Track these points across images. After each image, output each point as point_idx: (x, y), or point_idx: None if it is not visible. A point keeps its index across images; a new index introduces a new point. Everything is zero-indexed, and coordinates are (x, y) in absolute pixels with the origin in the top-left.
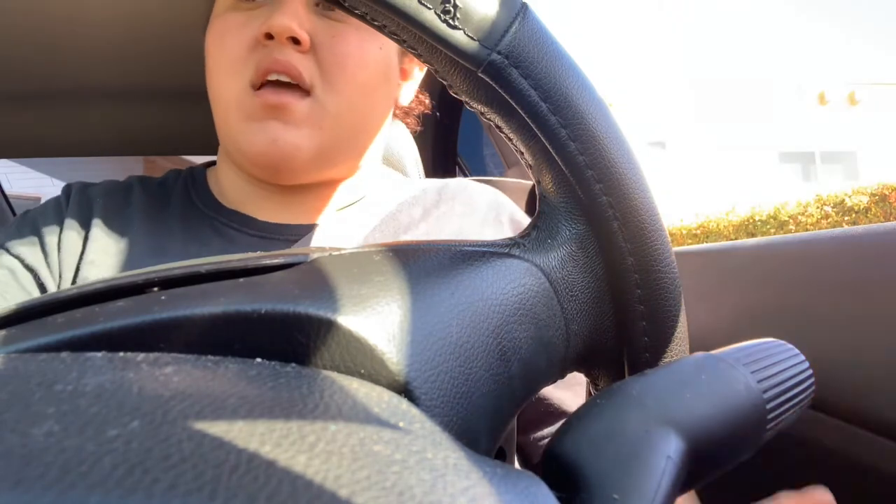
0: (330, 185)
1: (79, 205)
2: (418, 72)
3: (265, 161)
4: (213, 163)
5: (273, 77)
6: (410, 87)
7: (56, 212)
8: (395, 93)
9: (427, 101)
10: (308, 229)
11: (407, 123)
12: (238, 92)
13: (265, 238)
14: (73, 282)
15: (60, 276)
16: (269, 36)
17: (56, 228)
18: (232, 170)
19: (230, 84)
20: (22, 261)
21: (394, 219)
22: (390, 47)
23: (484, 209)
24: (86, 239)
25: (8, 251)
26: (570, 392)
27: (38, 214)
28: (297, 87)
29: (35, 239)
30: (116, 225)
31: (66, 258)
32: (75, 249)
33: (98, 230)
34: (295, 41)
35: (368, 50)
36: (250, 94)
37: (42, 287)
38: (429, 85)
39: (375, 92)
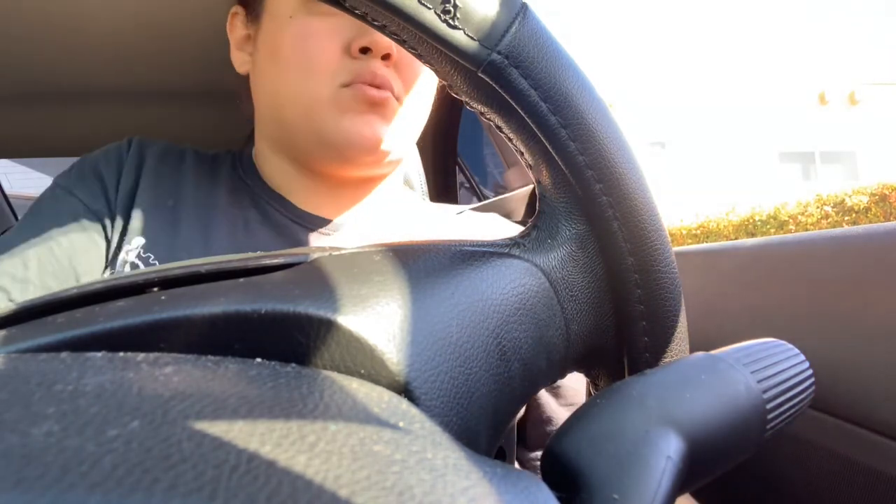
0: (371, 181)
1: (137, 158)
2: None
3: (357, 148)
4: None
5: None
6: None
7: (117, 161)
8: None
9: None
10: (342, 225)
11: None
12: (330, 90)
13: (301, 225)
14: (123, 236)
15: (118, 225)
16: (365, 49)
17: (115, 179)
18: (278, 158)
19: (317, 85)
20: (86, 206)
21: (428, 228)
22: None
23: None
24: (133, 198)
25: (72, 194)
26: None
27: (99, 161)
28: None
29: (98, 185)
30: (166, 188)
31: (121, 211)
32: (128, 203)
33: (147, 192)
34: (387, 56)
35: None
36: (343, 91)
37: (104, 231)
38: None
39: (430, 100)
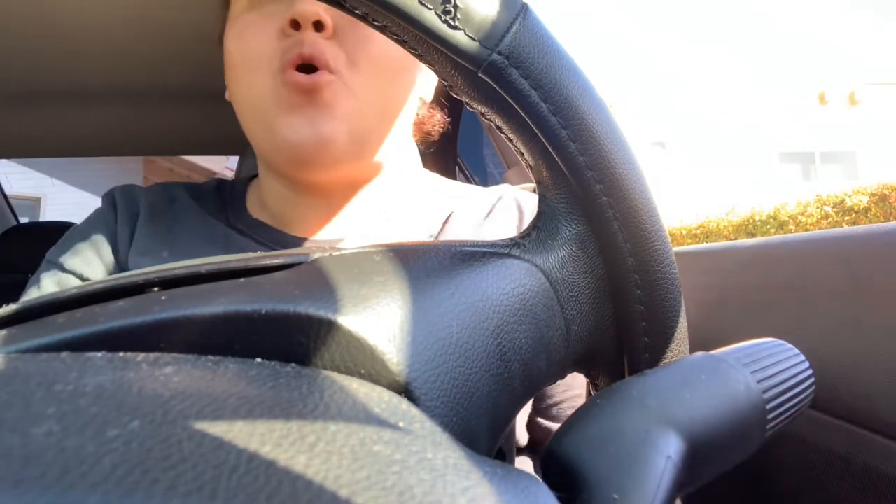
0: (366, 188)
1: (127, 211)
2: None
3: (307, 151)
4: (255, 175)
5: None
6: (432, 80)
7: (105, 222)
8: (416, 84)
9: (440, 118)
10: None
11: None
12: (269, 84)
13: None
14: None
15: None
16: (295, 24)
17: (110, 240)
18: (272, 178)
19: (258, 80)
20: (80, 276)
21: (443, 233)
22: None
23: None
24: (128, 253)
25: (64, 269)
26: None
27: (89, 228)
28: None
29: (91, 250)
30: (160, 238)
31: (119, 270)
32: (125, 260)
33: (141, 247)
34: (320, 26)
35: (389, 45)
36: (281, 83)
37: None
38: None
39: (399, 77)
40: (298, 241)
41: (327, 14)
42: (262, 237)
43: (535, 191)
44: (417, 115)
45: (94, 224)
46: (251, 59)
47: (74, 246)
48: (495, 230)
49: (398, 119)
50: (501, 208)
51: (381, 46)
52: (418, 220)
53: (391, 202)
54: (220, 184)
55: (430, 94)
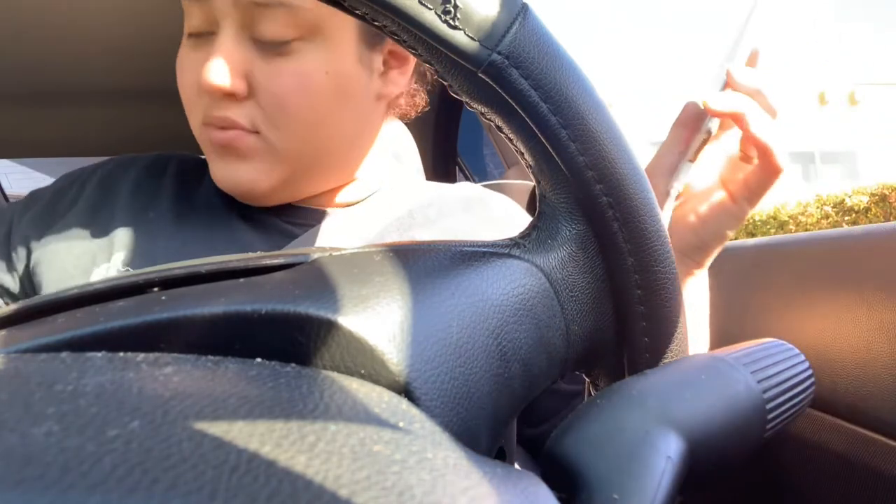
0: (330, 192)
1: (109, 176)
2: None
3: (232, 192)
4: None
5: None
6: (402, 74)
7: (73, 181)
8: (369, 96)
9: (420, 100)
10: (321, 216)
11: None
12: (197, 129)
13: (286, 222)
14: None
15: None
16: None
17: (68, 196)
18: None
19: (192, 121)
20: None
21: (409, 216)
22: (341, 64)
23: (501, 220)
24: (105, 214)
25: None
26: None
27: (50, 187)
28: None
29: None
30: (146, 200)
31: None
32: (102, 217)
33: (126, 208)
34: (229, 94)
35: (312, 81)
36: (204, 131)
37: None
38: (429, 85)
39: (331, 117)
40: (288, 208)
41: (236, 77)
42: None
43: (534, 189)
44: (399, 107)
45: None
46: (185, 99)
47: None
48: (449, 228)
49: (344, 146)
50: (466, 204)
51: (304, 101)
52: (383, 207)
53: (359, 193)
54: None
55: (402, 87)
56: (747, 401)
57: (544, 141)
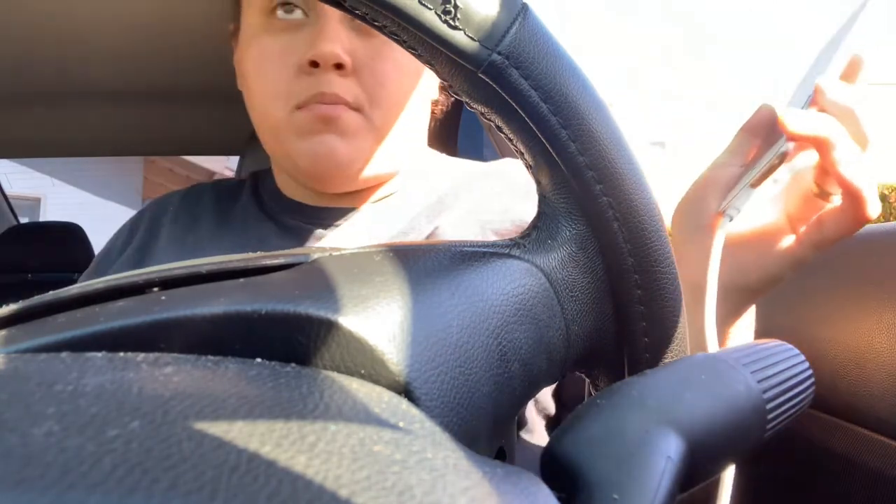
0: (375, 186)
1: (153, 215)
2: None
3: (321, 171)
4: (253, 173)
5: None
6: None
7: (128, 231)
8: (430, 94)
9: (443, 98)
10: (348, 212)
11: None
12: (287, 113)
13: (315, 225)
14: None
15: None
16: (314, 63)
17: (124, 243)
18: (283, 175)
19: (277, 108)
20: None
21: (439, 202)
22: None
23: (523, 185)
24: (151, 249)
25: None
26: None
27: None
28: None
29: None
30: (185, 228)
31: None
32: (145, 254)
33: (167, 237)
34: (339, 66)
35: (406, 65)
36: (299, 114)
37: None
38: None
39: (413, 100)
40: (319, 212)
41: (346, 53)
42: (289, 211)
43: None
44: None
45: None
46: (270, 89)
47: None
48: (475, 200)
49: (412, 134)
50: (488, 176)
51: (399, 81)
52: (410, 206)
53: (391, 187)
54: (252, 174)
55: (436, 91)
56: (747, 401)
57: (544, 141)
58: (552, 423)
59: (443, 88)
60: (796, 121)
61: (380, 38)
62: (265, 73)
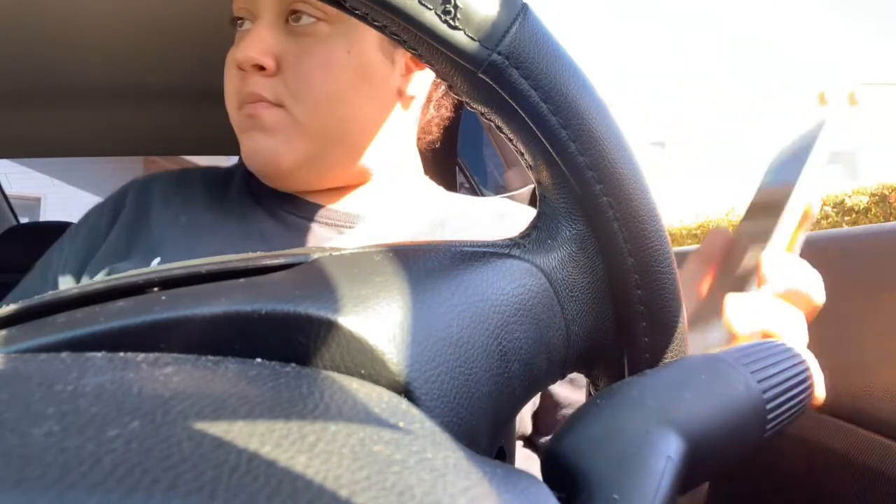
0: (353, 189)
1: (140, 193)
2: None
3: (254, 167)
4: None
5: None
6: (424, 77)
7: (114, 204)
8: (389, 87)
9: (446, 112)
10: (360, 216)
11: (423, 142)
12: (234, 113)
13: (319, 223)
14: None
15: (123, 252)
16: (241, 67)
17: (110, 216)
18: None
19: (231, 109)
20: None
21: (441, 225)
22: (362, 46)
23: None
24: (139, 225)
25: (62, 249)
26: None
27: (93, 212)
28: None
29: (86, 230)
30: (177, 207)
31: (125, 238)
32: (134, 230)
33: (158, 213)
34: (260, 67)
35: (334, 58)
36: (240, 112)
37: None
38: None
39: (350, 95)
40: (321, 211)
41: (267, 56)
42: (287, 206)
43: (535, 192)
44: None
45: (102, 207)
46: (227, 94)
47: (75, 232)
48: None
49: (362, 130)
50: (496, 224)
51: (325, 77)
52: (399, 223)
53: (377, 204)
54: (235, 166)
55: (420, 89)
56: (747, 401)
57: (544, 141)
58: (525, 444)
59: (440, 104)
60: (742, 323)
61: (312, 37)
62: (227, 79)
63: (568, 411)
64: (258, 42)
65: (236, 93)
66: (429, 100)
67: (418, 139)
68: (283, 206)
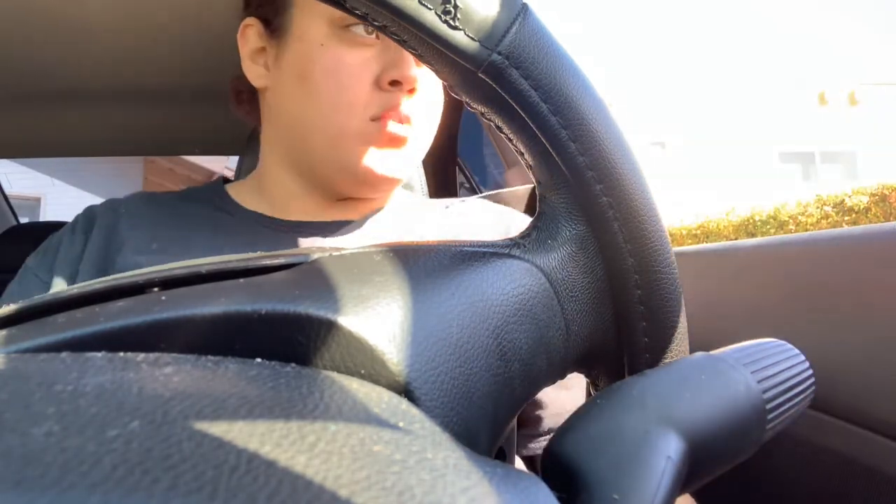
0: (376, 197)
1: (107, 218)
2: None
3: (379, 181)
4: (226, 180)
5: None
6: None
7: (83, 228)
8: None
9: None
10: (343, 225)
11: None
12: (359, 122)
13: (296, 234)
14: None
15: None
16: (395, 83)
17: (81, 245)
18: (286, 174)
19: (349, 117)
20: (42, 280)
21: (421, 220)
22: None
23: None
24: (111, 253)
25: (35, 274)
26: (567, 392)
27: (63, 235)
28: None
29: (52, 256)
30: (147, 233)
31: (95, 269)
32: (105, 259)
33: (129, 242)
34: (411, 89)
35: (439, 85)
36: (372, 125)
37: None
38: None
39: (437, 123)
40: (298, 224)
41: (416, 81)
42: (263, 222)
43: (534, 191)
44: None
45: (71, 231)
46: (345, 98)
47: (46, 252)
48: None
49: None
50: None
51: (439, 107)
52: (401, 213)
53: (382, 202)
54: (195, 189)
55: None
56: (747, 401)
57: (544, 141)
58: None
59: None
60: None
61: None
62: (341, 82)
63: (545, 412)
64: (413, 62)
65: (368, 104)
66: None
67: None
68: (263, 223)
